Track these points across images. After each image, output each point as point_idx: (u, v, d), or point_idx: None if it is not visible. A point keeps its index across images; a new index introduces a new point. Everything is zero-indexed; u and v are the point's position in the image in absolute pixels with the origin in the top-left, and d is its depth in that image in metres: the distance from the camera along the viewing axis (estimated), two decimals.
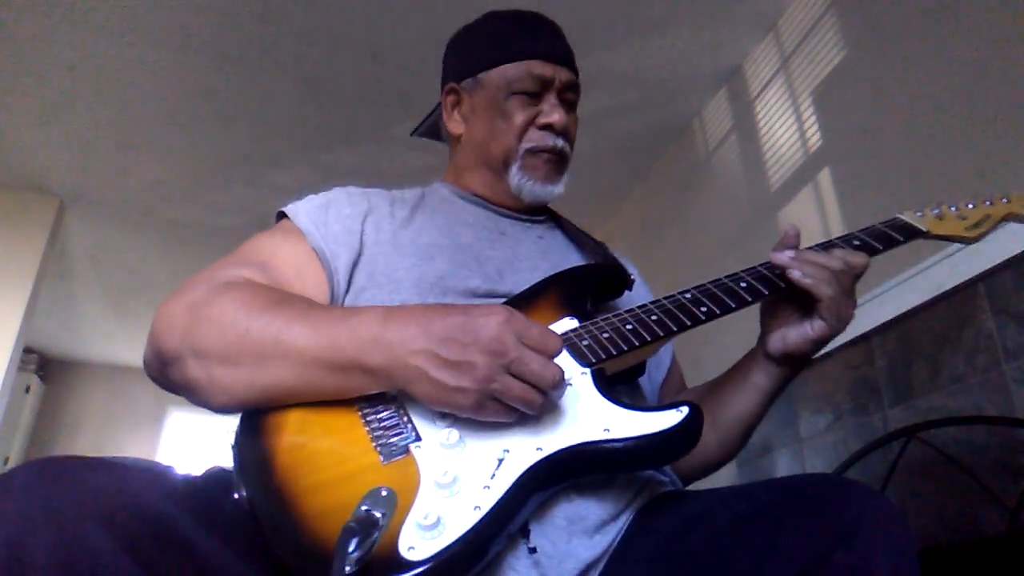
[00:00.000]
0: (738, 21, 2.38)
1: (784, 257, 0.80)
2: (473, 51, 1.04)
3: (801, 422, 1.93)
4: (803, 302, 0.81)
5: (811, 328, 0.80)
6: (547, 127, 0.97)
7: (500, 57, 1.00)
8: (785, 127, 2.28)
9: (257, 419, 0.67)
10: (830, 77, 2.08)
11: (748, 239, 2.43)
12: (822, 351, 0.84)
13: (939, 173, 1.64)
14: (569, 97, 1.01)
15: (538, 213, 1.05)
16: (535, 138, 0.97)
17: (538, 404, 0.63)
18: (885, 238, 0.87)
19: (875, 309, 1.69)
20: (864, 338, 1.73)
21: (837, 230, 1.95)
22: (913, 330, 1.60)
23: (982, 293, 1.44)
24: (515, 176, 0.98)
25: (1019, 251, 1.34)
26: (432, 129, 1.13)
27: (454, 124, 1.05)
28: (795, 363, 0.85)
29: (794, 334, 0.81)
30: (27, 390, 5.38)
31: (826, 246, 0.84)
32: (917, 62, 1.76)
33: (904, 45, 1.82)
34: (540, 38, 1.01)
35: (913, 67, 1.77)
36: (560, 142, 0.98)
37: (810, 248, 0.83)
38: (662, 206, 3.11)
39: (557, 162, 0.99)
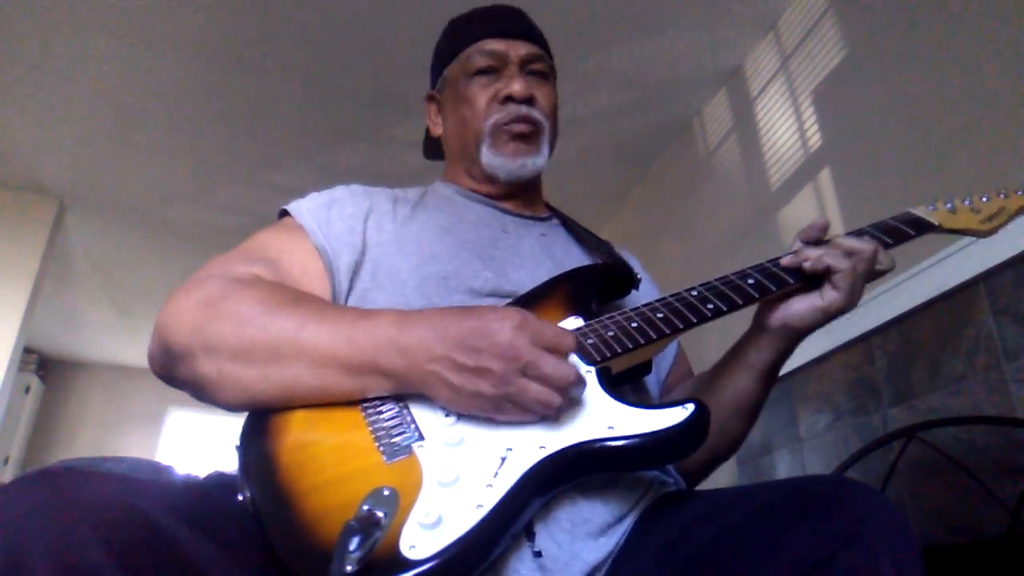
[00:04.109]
0: (738, 21, 2.38)
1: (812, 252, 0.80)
2: (437, 55, 1.07)
3: (801, 422, 1.93)
4: (811, 284, 0.81)
5: (821, 297, 0.80)
6: (508, 99, 0.95)
7: (456, 48, 1.01)
8: (785, 127, 2.28)
9: (263, 419, 0.67)
10: (830, 77, 2.08)
11: (748, 239, 2.43)
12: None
13: (939, 173, 1.64)
14: (535, 68, 0.99)
15: (541, 211, 1.05)
16: (498, 111, 0.96)
17: (556, 404, 0.63)
18: (895, 232, 0.85)
19: (875, 309, 1.68)
20: (864, 338, 1.73)
21: (837, 230, 1.94)
22: (913, 330, 1.60)
23: (982, 293, 1.43)
24: (486, 155, 0.97)
25: (1019, 251, 1.33)
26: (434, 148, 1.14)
27: (435, 127, 1.07)
28: (791, 335, 0.83)
29: (799, 304, 0.81)
30: (27, 390, 5.39)
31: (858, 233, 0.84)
32: (917, 62, 1.76)
33: (904, 45, 1.82)
34: (492, 20, 1.01)
35: (913, 67, 1.77)
36: (524, 109, 0.95)
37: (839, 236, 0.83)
38: (662, 206, 3.12)
39: (527, 133, 0.96)
